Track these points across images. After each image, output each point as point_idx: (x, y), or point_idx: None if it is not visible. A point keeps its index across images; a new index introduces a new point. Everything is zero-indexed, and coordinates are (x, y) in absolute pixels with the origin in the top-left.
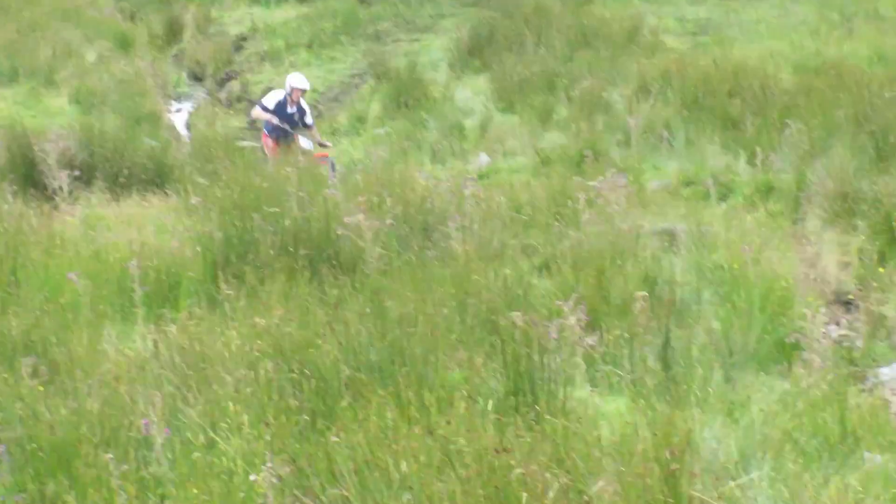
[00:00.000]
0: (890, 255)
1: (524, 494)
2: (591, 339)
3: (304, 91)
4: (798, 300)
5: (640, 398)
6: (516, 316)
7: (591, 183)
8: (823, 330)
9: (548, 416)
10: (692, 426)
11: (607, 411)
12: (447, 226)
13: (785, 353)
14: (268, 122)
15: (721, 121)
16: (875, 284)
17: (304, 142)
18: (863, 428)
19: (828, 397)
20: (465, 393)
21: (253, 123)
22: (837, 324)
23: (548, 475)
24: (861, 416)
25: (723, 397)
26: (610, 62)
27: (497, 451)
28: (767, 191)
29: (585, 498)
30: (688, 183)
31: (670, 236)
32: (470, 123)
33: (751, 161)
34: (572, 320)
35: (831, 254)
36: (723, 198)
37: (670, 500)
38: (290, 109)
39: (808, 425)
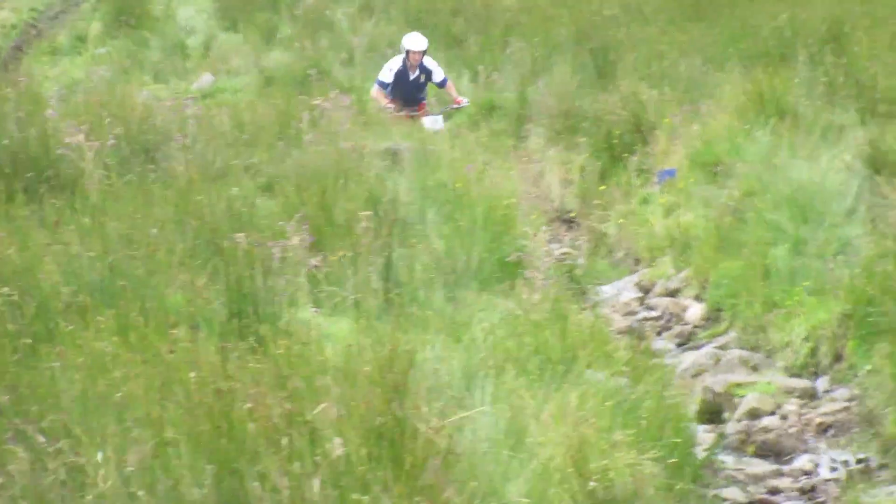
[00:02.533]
0: (611, 172)
1: (250, 424)
2: (314, 260)
3: (423, 52)
4: (521, 219)
5: (363, 319)
6: (239, 237)
7: (315, 102)
8: (546, 248)
9: (271, 339)
10: (414, 347)
11: (331, 333)
12: (169, 146)
13: (508, 272)
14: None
15: (444, 39)
16: (596, 202)
17: (428, 121)
18: (584, 346)
19: (550, 316)
20: (187, 315)
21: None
22: (560, 242)
23: (270, 400)
24: (582, 334)
25: (446, 317)
26: None
27: (219, 386)
28: (491, 109)
29: (308, 422)
30: None
31: (394, 155)
32: (193, 42)
33: (474, 79)
34: (296, 241)
35: (554, 172)
36: (447, 117)
37: (394, 424)
38: (413, 75)
39: (531, 344)
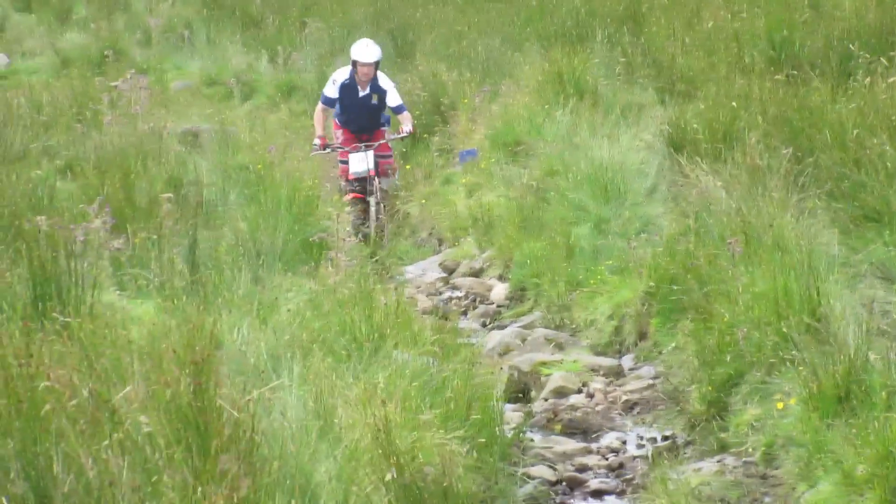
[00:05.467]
0: (413, 153)
1: (47, 404)
2: (117, 242)
3: (375, 64)
4: (324, 199)
5: (168, 301)
6: (40, 220)
7: (113, 84)
8: (349, 229)
9: (76, 321)
10: (220, 328)
11: (136, 315)
12: None
13: (312, 253)
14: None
15: (242, 20)
16: (400, 183)
17: (355, 160)
18: (390, 326)
19: (355, 297)
20: None
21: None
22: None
23: (75, 380)
24: (388, 315)
25: (251, 298)
26: None
27: (21, 361)
28: (290, 90)
29: (113, 404)
30: (210, 83)
31: (195, 137)
32: None
33: (273, 60)
34: (98, 223)
35: None
36: (246, 98)
37: (198, 404)
38: (363, 92)
39: (337, 325)
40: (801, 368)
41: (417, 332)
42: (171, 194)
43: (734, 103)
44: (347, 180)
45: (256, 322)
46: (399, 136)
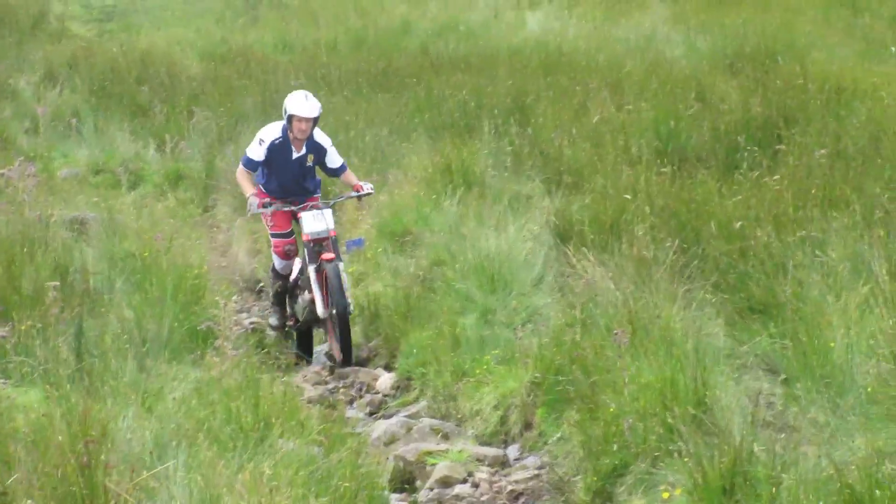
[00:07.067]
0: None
1: None
2: (2, 330)
3: (314, 120)
4: (211, 288)
5: (54, 389)
6: None
7: None
8: (236, 318)
9: None
10: (106, 417)
11: (21, 403)
12: None
13: (198, 341)
14: (262, 185)
15: (130, 108)
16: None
17: (310, 218)
18: (276, 415)
19: (241, 385)
20: None
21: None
22: (249, 312)
23: None
24: (274, 404)
25: (137, 387)
26: (16, 49)
27: None
28: (177, 178)
29: (2, 489)
30: (98, 171)
31: (82, 225)
32: None
33: (160, 149)
34: None
35: (241, 242)
36: (133, 186)
37: (86, 492)
38: (298, 152)
39: (223, 413)
40: (686, 459)
41: (303, 421)
42: (57, 282)
43: (621, 195)
44: (283, 258)
45: (142, 410)
46: (358, 194)
